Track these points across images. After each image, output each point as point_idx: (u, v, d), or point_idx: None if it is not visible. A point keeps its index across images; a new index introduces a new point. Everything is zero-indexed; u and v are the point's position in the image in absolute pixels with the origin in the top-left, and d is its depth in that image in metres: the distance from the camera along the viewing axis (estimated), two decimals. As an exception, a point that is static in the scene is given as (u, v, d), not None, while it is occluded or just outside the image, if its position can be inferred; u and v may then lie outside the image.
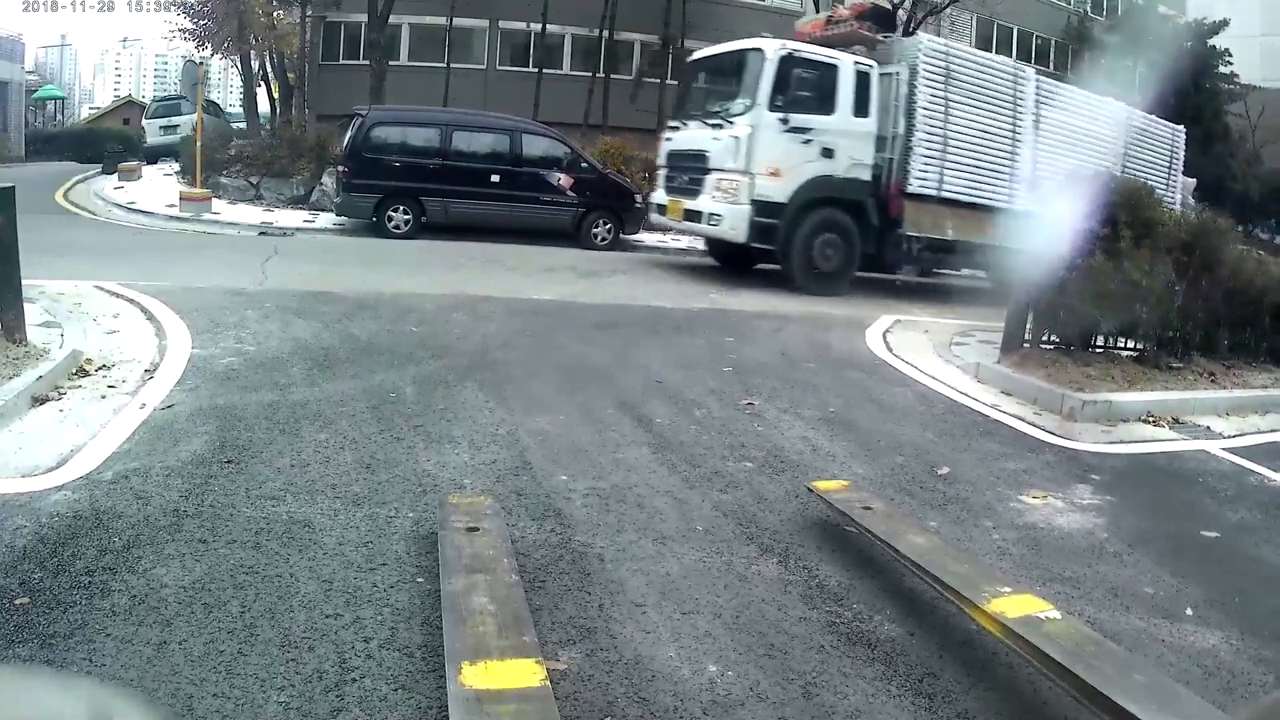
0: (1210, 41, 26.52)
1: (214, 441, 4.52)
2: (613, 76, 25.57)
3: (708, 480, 4.51)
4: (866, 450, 5.35)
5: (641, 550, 3.65)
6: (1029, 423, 6.53)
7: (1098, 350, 8.30)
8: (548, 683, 2.45)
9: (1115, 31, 27.48)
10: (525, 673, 2.46)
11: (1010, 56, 29.74)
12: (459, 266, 11.33)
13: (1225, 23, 26.22)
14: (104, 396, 5.18)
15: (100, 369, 5.76)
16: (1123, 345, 8.41)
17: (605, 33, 25.17)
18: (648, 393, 6.06)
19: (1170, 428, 7.06)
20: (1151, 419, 7.19)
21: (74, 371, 5.59)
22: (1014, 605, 3.07)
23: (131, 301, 7.68)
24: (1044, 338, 8.17)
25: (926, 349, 9.08)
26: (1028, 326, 8.18)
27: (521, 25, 26.55)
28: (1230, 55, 26.92)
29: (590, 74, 25.51)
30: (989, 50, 28.92)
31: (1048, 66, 30.11)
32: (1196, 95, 24.49)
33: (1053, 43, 29.87)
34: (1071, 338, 8.15)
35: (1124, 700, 2.53)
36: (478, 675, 2.44)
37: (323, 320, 7.47)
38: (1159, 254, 7.82)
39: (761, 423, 5.61)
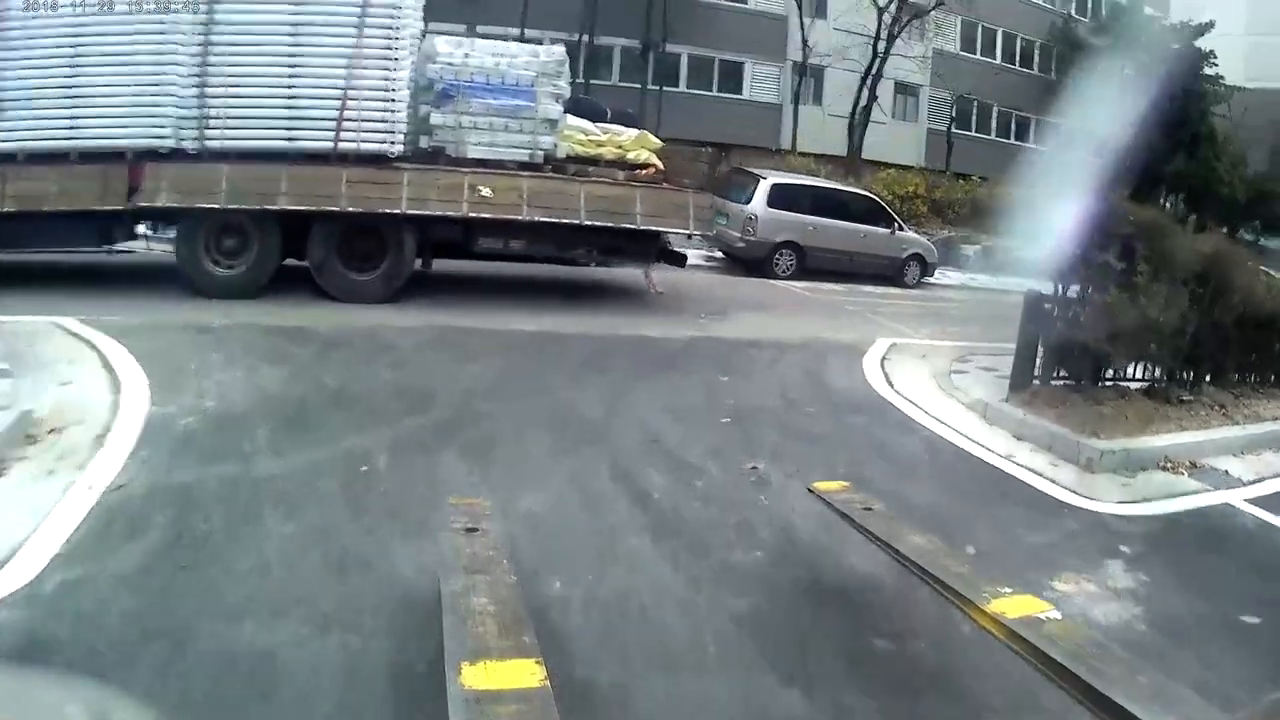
0: (1195, 42, 26.32)
1: (168, 535, 4.06)
2: (593, 82, 25.08)
3: (717, 579, 4.08)
4: (882, 524, 4.95)
5: (652, 686, 3.22)
6: (1047, 478, 6.20)
7: (1107, 384, 7.98)
8: (547, 683, 2.42)
9: (1100, 33, 27.25)
10: (525, 673, 2.44)
11: (995, 59, 29.59)
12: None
13: (1211, 24, 26.02)
14: (51, 471, 4.71)
15: (51, 432, 5.29)
16: (1132, 376, 8.10)
17: (586, 38, 24.67)
18: (643, 454, 5.62)
19: (1189, 474, 6.81)
20: (1169, 465, 6.92)
21: (24, 436, 5.11)
22: (1014, 605, 3.06)
23: (89, 344, 7.15)
24: (1055, 374, 7.81)
25: (927, 381, 8.73)
26: (1037, 363, 7.82)
27: (499, 31, 25.97)
28: (1215, 57, 26.75)
29: (570, 81, 25.00)
30: (973, 54, 28.74)
31: (1032, 69, 29.97)
32: (1184, 98, 24.29)
33: (1037, 45, 29.62)
34: (1082, 373, 7.80)
35: (1127, 702, 2.49)
36: (477, 676, 2.41)
37: (291, 364, 6.99)
38: (1175, 287, 7.49)
39: (768, 493, 5.19)
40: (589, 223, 10.07)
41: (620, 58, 26.12)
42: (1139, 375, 8.13)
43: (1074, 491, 5.99)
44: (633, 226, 10.32)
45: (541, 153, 10.15)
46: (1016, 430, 7.16)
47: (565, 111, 10.46)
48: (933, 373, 9.09)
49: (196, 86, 9.18)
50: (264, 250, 9.43)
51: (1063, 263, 7.78)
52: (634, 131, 11.18)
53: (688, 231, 10.96)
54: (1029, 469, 6.33)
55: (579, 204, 10.02)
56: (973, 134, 28.88)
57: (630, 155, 10.85)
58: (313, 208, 9.32)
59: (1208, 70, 26.97)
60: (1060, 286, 7.61)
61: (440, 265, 10.40)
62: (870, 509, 3.99)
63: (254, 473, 4.83)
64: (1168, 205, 24.92)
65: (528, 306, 10.25)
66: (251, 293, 9.34)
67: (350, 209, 9.36)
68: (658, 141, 11.25)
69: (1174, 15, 29.02)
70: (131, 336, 7.27)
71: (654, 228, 10.64)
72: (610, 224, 10.22)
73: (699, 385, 7.50)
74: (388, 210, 9.49)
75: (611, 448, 5.74)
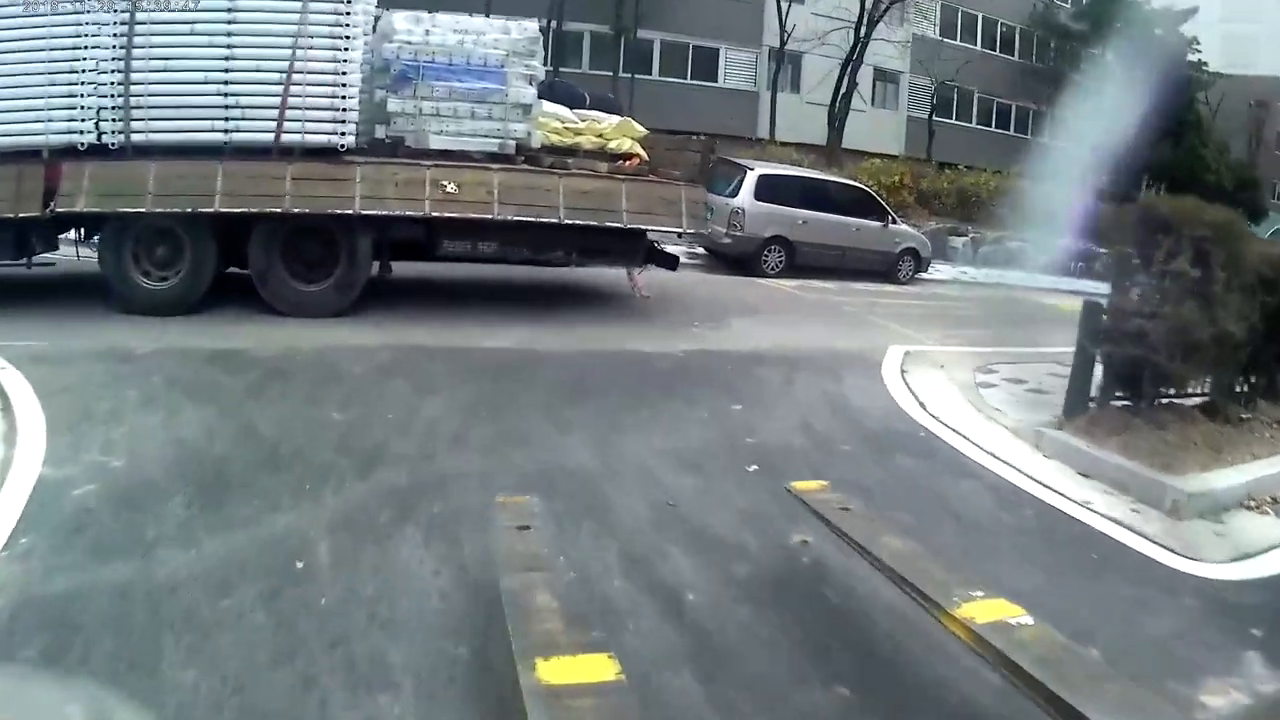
0: (1179, 28, 25.68)
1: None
2: (561, 70, 23.90)
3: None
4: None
5: None
6: (1135, 531, 5.24)
7: (1162, 402, 7.04)
8: (623, 676, 2.41)
9: (1082, 18, 26.53)
10: (600, 667, 2.43)
11: (976, 45, 28.75)
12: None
13: (1195, 10, 25.39)
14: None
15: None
16: (1185, 393, 7.18)
17: (553, 23, 23.44)
18: (660, 530, 4.46)
19: (1275, 514, 5.97)
20: (1254, 504, 6.07)
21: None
22: (985, 610, 2.96)
23: (-9, 378, 5.93)
24: (1114, 395, 6.85)
25: (957, 398, 7.83)
26: (1094, 385, 6.86)
27: (464, 16, 24.69)
28: (1199, 43, 26.18)
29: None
30: (953, 39, 27.87)
31: (1013, 55, 29.17)
32: (1169, 84, 23.59)
33: (1018, 30, 28.80)
34: (1142, 393, 6.85)
35: (1095, 712, 2.41)
36: (552, 671, 2.38)
37: (221, 402, 5.80)
38: (1247, 295, 6.57)
39: (831, 584, 4.04)
40: (569, 221, 8.85)
41: (590, 44, 24.92)
42: (1192, 391, 7.24)
43: (1170, 550, 5.03)
44: (619, 225, 9.09)
45: (513, 142, 8.91)
46: (1080, 465, 6.23)
47: (539, 96, 9.26)
48: (959, 387, 8.18)
49: (120, 73, 7.94)
50: (199, 259, 8.19)
51: (1120, 268, 6.85)
52: (615, 118, 9.90)
53: (680, 230, 9.70)
54: (1111, 519, 5.34)
55: (557, 200, 8.77)
56: (953, 121, 28.05)
57: (612, 145, 9.59)
58: (253, 209, 8.09)
59: (1191, 57, 26.35)
60: (1121, 296, 6.62)
61: (400, 268, 9.20)
62: (848, 509, 3.89)
63: (156, 576, 3.65)
64: (1155, 194, 24.25)
65: (499, 315, 9.09)
66: (186, 308, 8.13)
67: (296, 210, 8.15)
68: (641, 129, 9.99)
69: (1155, 0, 28.39)
70: (40, 366, 6.10)
71: (642, 226, 9.41)
72: (593, 222, 8.97)
73: (708, 418, 6.39)
74: (339, 210, 8.27)
75: (615, 517, 4.58)
